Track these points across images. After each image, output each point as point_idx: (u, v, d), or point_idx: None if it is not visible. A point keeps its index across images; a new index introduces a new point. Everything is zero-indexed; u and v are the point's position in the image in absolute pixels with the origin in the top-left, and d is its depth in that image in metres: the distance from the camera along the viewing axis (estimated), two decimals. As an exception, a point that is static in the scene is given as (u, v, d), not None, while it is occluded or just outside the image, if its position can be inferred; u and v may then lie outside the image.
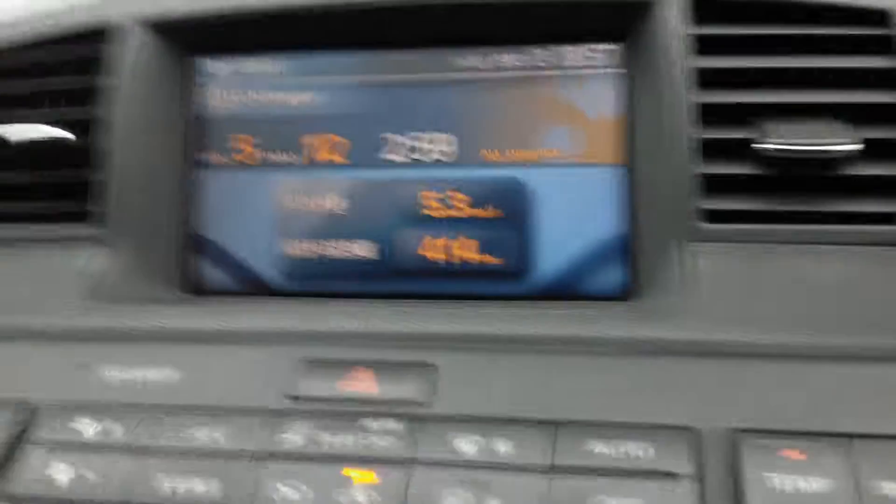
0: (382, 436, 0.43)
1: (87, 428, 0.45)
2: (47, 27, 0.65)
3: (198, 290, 0.62)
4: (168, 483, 0.42)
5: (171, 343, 0.51)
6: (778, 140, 0.52)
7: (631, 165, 0.57)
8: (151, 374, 0.48)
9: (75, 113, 0.63)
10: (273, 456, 0.43)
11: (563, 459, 0.41)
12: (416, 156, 0.61)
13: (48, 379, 0.49)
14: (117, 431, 0.45)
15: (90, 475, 0.43)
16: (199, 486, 0.42)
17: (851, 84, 0.54)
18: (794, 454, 0.39)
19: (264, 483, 0.41)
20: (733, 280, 0.50)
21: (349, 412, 0.45)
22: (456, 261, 0.60)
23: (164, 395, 0.47)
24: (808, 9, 0.55)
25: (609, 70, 0.59)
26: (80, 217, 0.61)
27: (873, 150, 0.52)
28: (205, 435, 0.44)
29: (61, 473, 0.43)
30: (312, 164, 0.62)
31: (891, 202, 0.52)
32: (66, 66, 0.64)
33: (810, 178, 0.53)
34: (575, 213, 0.58)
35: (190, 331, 0.52)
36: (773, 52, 0.55)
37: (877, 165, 0.53)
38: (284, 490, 0.41)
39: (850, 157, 0.52)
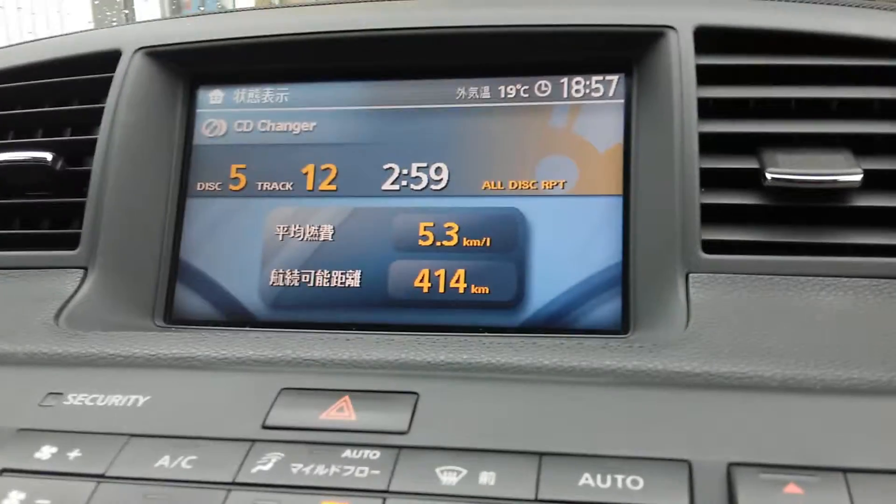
0: (359, 465, 0.41)
1: (45, 453, 0.43)
2: (50, 53, 0.66)
3: (180, 320, 0.61)
4: (126, 510, 0.39)
5: (142, 369, 0.49)
6: (781, 170, 0.51)
7: (629, 195, 0.56)
8: (117, 400, 0.46)
9: (69, 138, 0.62)
10: (240, 485, 0.40)
11: (549, 492, 0.38)
12: (412, 185, 0.60)
13: (9, 404, 0.47)
14: (76, 457, 0.42)
15: (41, 502, 0.40)
16: (158, 514, 0.39)
17: (855, 115, 0.53)
18: (791, 489, 0.36)
19: (228, 512, 0.39)
20: (733, 312, 0.48)
21: (325, 442, 0.42)
22: (449, 292, 0.58)
23: (129, 422, 0.45)
24: (813, 39, 0.55)
25: (610, 101, 0.59)
26: (62, 242, 0.59)
27: (876, 182, 0.51)
28: (169, 462, 0.42)
29: (11, 500, 0.40)
30: (306, 193, 0.61)
31: (891, 234, 0.50)
32: (63, 91, 0.64)
33: (812, 209, 0.52)
34: (572, 245, 0.57)
35: (162, 357, 0.49)
36: (777, 82, 0.54)
37: (879, 197, 0.51)
38: (249, 519, 0.38)
39: (852, 189, 0.51)
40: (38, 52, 0.67)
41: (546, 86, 0.60)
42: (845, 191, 0.51)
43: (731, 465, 0.38)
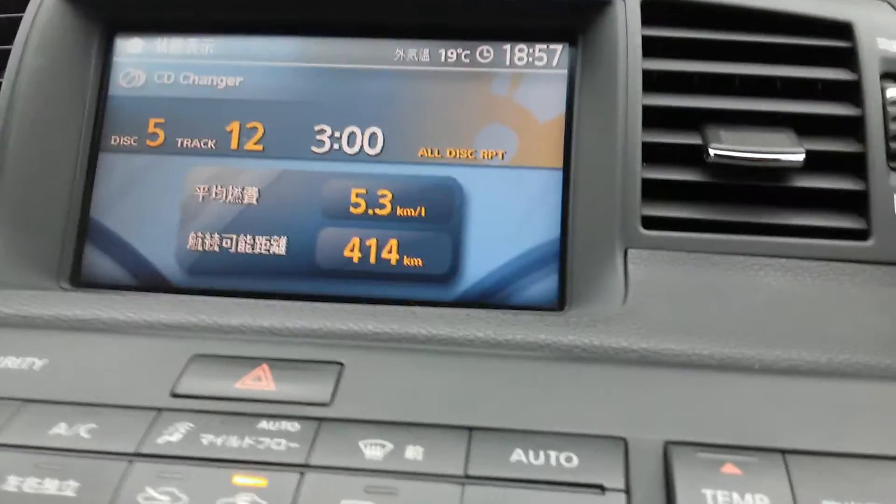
0: (276, 437, 0.38)
1: (-74, 419, 0.39)
2: None
3: (87, 283, 0.56)
4: (14, 480, 0.36)
5: (41, 331, 0.45)
6: (723, 146, 0.50)
7: (569, 168, 0.54)
8: (11, 363, 0.42)
9: None
10: (144, 456, 0.37)
11: (479, 468, 0.36)
12: (345, 149, 0.57)
13: None
14: (-40, 423, 0.38)
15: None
16: (49, 485, 0.35)
17: (799, 95, 0.52)
18: (729, 469, 0.35)
19: (130, 484, 0.35)
20: (671, 289, 0.47)
21: (241, 412, 0.39)
22: (380, 263, 0.55)
23: (23, 387, 0.41)
24: (762, 16, 0.54)
25: (553, 70, 0.57)
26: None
27: (818, 163, 0.50)
28: (65, 430, 0.38)
29: None
30: (230, 152, 0.57)
31: (831, 216, 0.50)
32: None
33: (754, 188, 0.51)
34: (509, 218, 0.54)
35: (63, 319, 0.45)
36: (722, 57, 0.53)
37: (821, 178, 0.51)
38: (153, 493, 0.35)
39: (794, 169, 0.50)
40: None
41: (488, 52, 0.57)
42: (787, 170, 0.50)
43: (668, 443, 0.37)
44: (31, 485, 0.36)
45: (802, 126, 0.51)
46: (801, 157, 0.49)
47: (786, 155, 0.50)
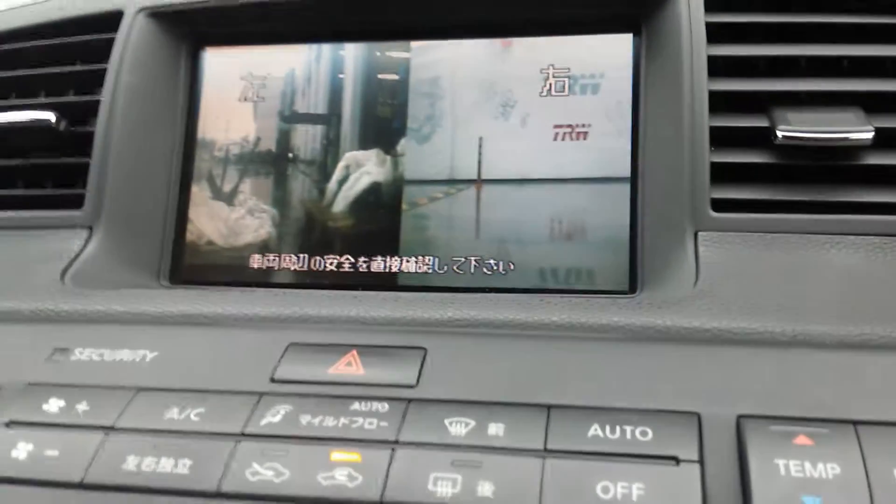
0: (368, 417, 0.40)
1: (53, 406, 0.43)
2: (53, 15, 0.65)
3: (186, 280, 0.60)
4: (133, 460, 0.39)
5: (149, 326, 0.49)
6: (791, 128, 0.50)
7: (638, 154, 0.55)
8: (125, 355, 0.46)
9: (72, 99, 0.62)
10: (249, 436, 0.40)
11: (558, 443, 0.38)
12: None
13: (16, 359, 0.47)
14: (84, 410, 0.42)
15: (50, 452, 0.40)
16: (165, 464, 0.39)
17: (866, 73, 0.52)
18: (801, 440, 0.36)
19: (237, 462, 0.39)
20: (742, 270, 0.48)
21: (334, 395, 0.42)
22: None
23: (137, 376, 0.45)
24: None
25: (619, 60, 0.58)
26: (67, 202, 0.59)
27: (886, 140, 0.51)
28: (177, 414, 0.42)
29: (19, 450, 0.40)
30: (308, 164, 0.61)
31: None
32: (66, 52, 0.64)
33: (822, 167, 0.51)
34: (580, 205, 0.56)
35: (169, 315, 0.49)
36: (787, 40, 0.54)
37: (890, 155, 0.51)
38: (259, 468, 0.38)
39: (863, 147, 0.50)
40: (41, 13, 0.66)
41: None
42: (856, 149, 0.50)
43: (740, 417, 0.38)
44: (148, 464, 0.39)
45: (870, 104, 0.51)
46: (870, 135, 0.50)
47: (854, 133, 0.50)
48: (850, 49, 0.53)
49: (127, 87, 0.61)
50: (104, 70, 0.61)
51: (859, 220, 0.49)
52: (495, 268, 0.56)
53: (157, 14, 0.63)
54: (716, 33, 0.54)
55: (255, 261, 0.60)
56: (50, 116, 0.60)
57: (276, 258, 0.59)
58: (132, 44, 0.62)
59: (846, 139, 0.50)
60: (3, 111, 0.61)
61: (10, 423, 0.42)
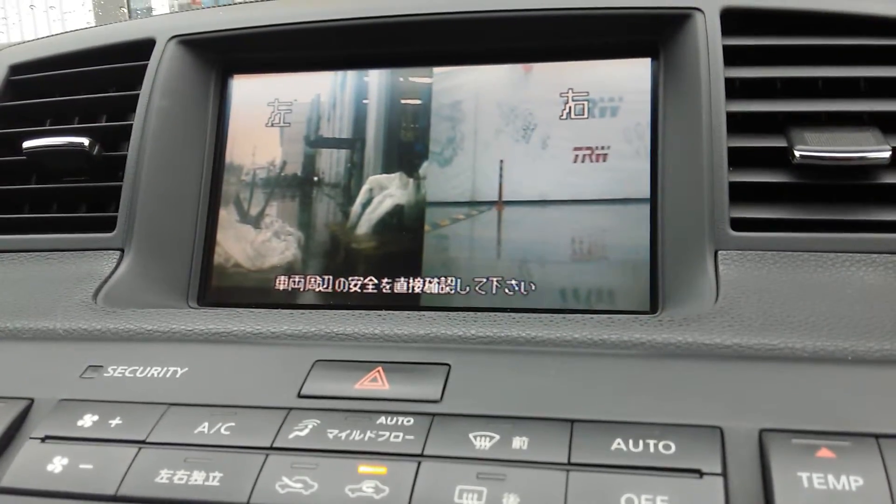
0: (394, 431, 0.41)
1: (87, 421, 0.44)
2: (86, 43, 0.67)
3: (213, 301, 0.62)
4: (165, 473, 0.40)
5: (179, 343, 0.50)
6: (809, 148, 0.51)
7: (659, 176, 0.56)
8: (156, 372, 0.47)
9: (105, 124, 0.64)
10: (278, 449, 0.41)
11: (582, 456, 0.38)
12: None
13: (51, 376, 0.48)
14: (117, 424, 0.43)
15: (84, 466, 0.41)
16: (197, 477, 0.40)
17: (882, 93, 0.53)
18: (824, 453, 0.37)
19: (267, 474, 0.40)
20: (762, 288, 0.48)
21: (360, 410, 0.43)
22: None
23: (168, 392, 0.46)
24: (838, 19, 0.55)
25: (638, 83, 0.59)
26: (99, 225, 0.61)
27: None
28: (208, 429, 0.43)
29: (55, 464, 0.41)
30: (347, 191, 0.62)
31: None
32: (99, 79, 0.66)
33: (840, 187, 0.52)
34: (600, 225, 0.57)
35: (199, 333, 0.51)
36: (804, 62, 0.55)
37: (907, 174, 0.51)
38: (288, 482, 0.39)
39: (880, 166, 0.51)
40: (75, 41, 0.68)
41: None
42: (873, 168, 0.51)
43: (763, 431, 0.39)
44: (181, 477, 0.40)
45: (886, 124, 0.52)
46: (887, 154, 0.50)
47: (871, 153, 0.51)
48: (866, 70, 0.54)
49: (158, 112, 0.63)
50: (136, 96, 0.63)
51: (877, 238, 0.50)
52: (517, 288, 0.57)
53: (187, 42, 0.65)
54: (733, 56, 0.55)
55: (281, 282, 0.61)
56: (84, 141, 0.62)
57: (302, 280, 0.61)
58: (163, 71, 0.64)
59: (863, 158, 0.51)
60: (40, 136, 0.63)
61: (46, 438, 0.43)
